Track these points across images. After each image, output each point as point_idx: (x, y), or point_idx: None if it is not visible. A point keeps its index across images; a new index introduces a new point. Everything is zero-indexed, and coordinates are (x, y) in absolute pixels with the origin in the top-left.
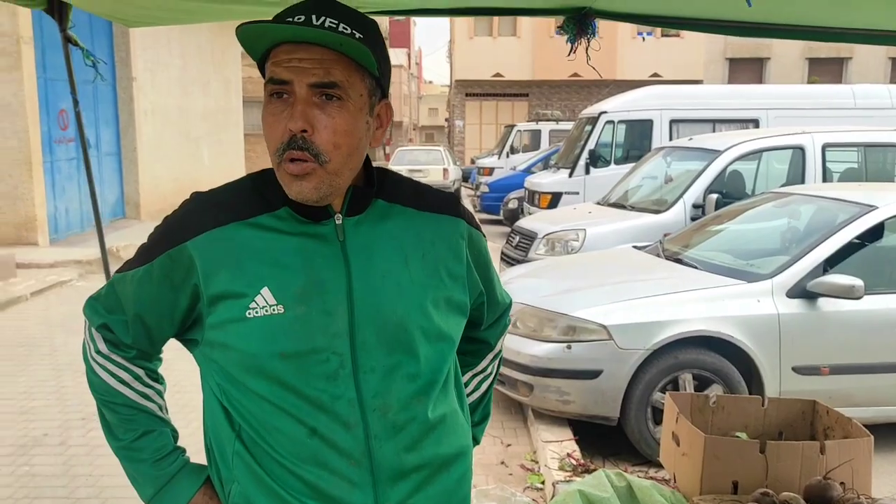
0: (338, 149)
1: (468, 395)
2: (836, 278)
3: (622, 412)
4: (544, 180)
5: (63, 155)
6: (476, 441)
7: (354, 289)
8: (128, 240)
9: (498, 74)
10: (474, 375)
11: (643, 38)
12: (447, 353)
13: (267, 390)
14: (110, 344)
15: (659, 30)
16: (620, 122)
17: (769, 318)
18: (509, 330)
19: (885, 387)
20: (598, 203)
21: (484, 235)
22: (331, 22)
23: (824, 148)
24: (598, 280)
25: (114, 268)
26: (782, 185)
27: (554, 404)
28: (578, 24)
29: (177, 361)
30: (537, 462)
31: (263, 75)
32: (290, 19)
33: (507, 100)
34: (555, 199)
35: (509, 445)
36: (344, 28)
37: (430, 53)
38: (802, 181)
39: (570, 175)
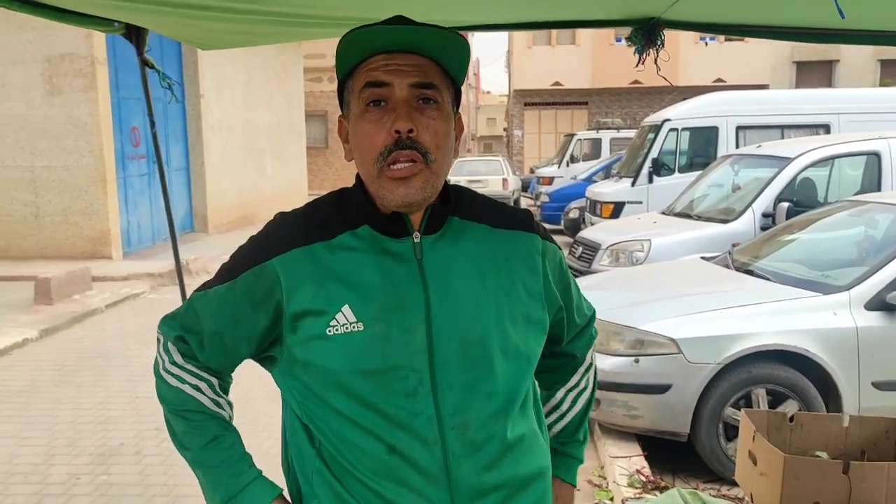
0: (439, 149)
1: (564, 413)
2: None
3: (692, 427)
4: (606, 189)
5: (135, 171)
6: (579, 461)
7: (432, 307)
8: (196, 252)
9: (557, 83)
10: (567, 392)
11: (706, 43)
12: (525, 371)
13: (347, 407)
14: (185, 356)
15: None
16: (684, 129)
17: (847, 332)
18: None
19: None
20: (663, 213)
21: (560, 248)
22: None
23: None
24: (666, 292)
25: (187, 280)
26: (856, 193)
27: (621, 419)
28: (646, 35)
29: (246, 376)
30: (605, 478)
31: (341, 99)
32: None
33: (566, 108)
34: (617, 209)
35: None
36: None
37: (489, 64)
38: (878, 188)
39: (633, 184)
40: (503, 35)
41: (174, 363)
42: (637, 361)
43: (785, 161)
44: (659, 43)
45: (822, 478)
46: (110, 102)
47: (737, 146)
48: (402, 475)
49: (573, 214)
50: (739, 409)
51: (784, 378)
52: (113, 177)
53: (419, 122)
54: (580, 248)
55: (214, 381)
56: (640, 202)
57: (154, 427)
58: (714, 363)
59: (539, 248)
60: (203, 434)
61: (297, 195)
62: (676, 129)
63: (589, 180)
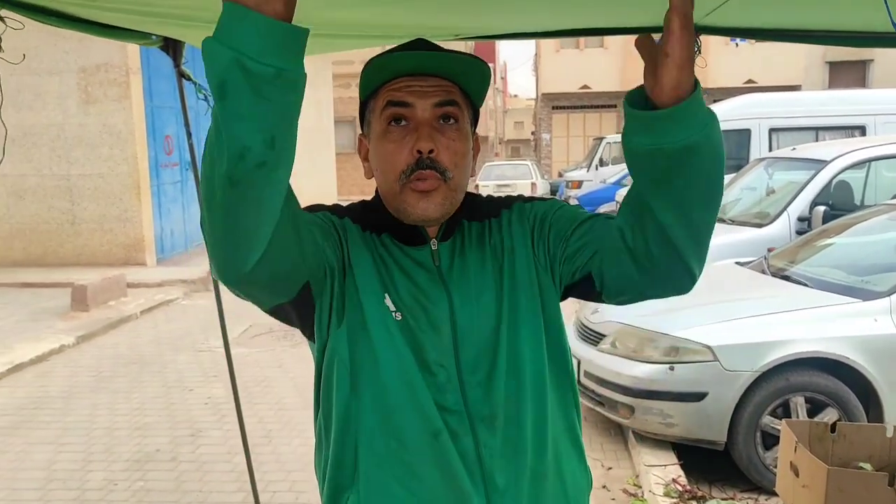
0: (458, 168)
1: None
2: None
3: (729, 436)
4: None
5: (168, 178)
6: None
7: (455, 305)
8: None
9: (585, 86)
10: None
11: (736, 44)
12: (546, 353)
13: (392, 388)
14: None
15: None
16: None
17: (888, 339)
18: (607, 350)
19: None
20: None
21: (538, 200)
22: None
23: None
24: (701, 298)
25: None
26: (894, 196)
27: (656, 427)
28: None
29: (280, 382)
30: (640, 487)
31: (362, 120)
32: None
33: (594, 112)
34: None
35: (610, 469)
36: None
37: (516, 67)
38: None
39: None
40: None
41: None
42: (672, 369)
43: (821, 164)
44: (696, 49)
45: (867, 490)
46: (144, 111)
47: (770, 149)
48: (443, 463)
49: None
50: (777, 418)
51: (823, 386)
52: (147, 184)
53: (439, 142)
54: None
55: None
56: None
57: (189, 433)
58: (751, 371)
59: (518, 213)
60: None
61: (326, 201)
62: None
63: (618, 184)
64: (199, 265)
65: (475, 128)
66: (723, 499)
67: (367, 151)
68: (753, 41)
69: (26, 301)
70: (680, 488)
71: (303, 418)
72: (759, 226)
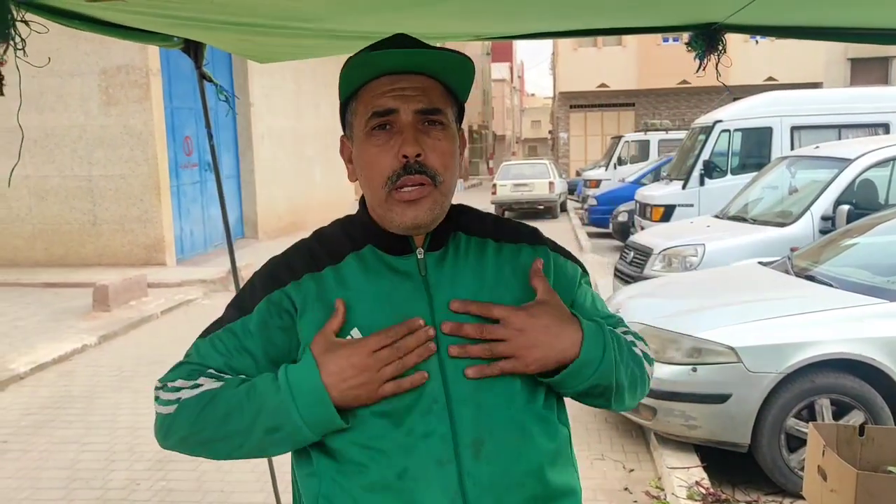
0: (447, 170)
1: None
2: None
3: (753, 438)
4: (656, 192)
5: (187, 179)
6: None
7: (437, 322)
8: (247, 259)
9: (603, 85)
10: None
11: (756, 42)
12: (540, 384)
13: (356, 432)
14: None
15: None
16: (737, 130)
17: None
18: None
19: None
20: (716, 216)
21: (579, 265)
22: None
23: None
24: (724, 298)
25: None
26: None
27: (679, 429)
28: (707, 40)
29: None
30: (663, 489)
31: (343, 116)
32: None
33: (612, 110)
34: (668, 212)
35: (632, 471)
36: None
37: (533, 67)
38: None
39: (684, 187)
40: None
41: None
42: (694, 370)
43: (844, 162)
44: (720, 48)
45: None
46: (164, 112)
47: (791, 147)
48: (414, 498)
49: (622, 218)
50: (802, 420)
51: (849, 388)
52: (167, 185)
53: (426, 144)
54: (631, 253)
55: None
56: (692, 205)
57: None
58: (776, 372)
59: (549, 260)
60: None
61: (344, 201)
62: (728, 131)
63: (637, 183)
64: (218, 265)
65: (461, 123)
66: (746, 502)
67: (351, 153)
68: (773, 38)
69: (48, 301)
70: (703, 491)
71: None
72: (782, 225)
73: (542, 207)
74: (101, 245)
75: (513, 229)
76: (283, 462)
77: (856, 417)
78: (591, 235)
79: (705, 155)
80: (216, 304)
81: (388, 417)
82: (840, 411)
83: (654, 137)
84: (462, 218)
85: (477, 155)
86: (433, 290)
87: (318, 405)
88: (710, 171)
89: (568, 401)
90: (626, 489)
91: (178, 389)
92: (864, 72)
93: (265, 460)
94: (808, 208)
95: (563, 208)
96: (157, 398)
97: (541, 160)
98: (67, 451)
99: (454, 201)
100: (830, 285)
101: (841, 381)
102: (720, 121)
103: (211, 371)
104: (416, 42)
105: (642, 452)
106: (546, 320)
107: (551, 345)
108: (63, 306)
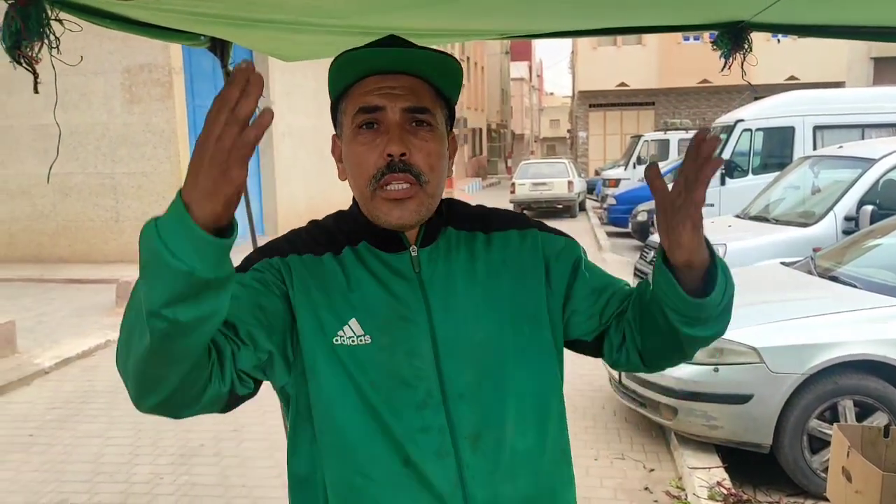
0: (433, 171)
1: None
2: None
3: (775, 439)
4: None
5: None
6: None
7: (435, 318)
8: None
9: (622, 84)
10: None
11: (778, 40)
12: (539, 373)
13: (359, 419)
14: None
15: None
16: (758, 129)
17: None
18: None
19: None
20: (737, 216)
21: (570, 239)
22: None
23: None
24: (746, 298)
25: None
26: None
27: (700, 429)
28: (733, 39)
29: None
30: (683, 489)
31: (334, 116)
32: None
33: (631, 109)
34: None
35: (652, 470)
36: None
37: (552, 65)
38: None
39: None
40: None
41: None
42: (716, 370)
43: (868, 162)
44: (746, 47)
45: None
46: (186, 110)
47: (814, 147)
48: (417, 489)
49: (641, 217)
50: (825, 422)
51: (873, 389)
52: None
53: (412, 143)
54: (651, 253)
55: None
56: (712, 205)
57: (232, 429)
58: (798, 373)
59: (538, 242)
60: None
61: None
62: (750, 130)
63: None
64: (236, 261)
65: (451, 126)
66: (768, 503)
67: (341, 151)
68: (795, 37)
69: (72, 297)
70: (724, 491)
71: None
72: (804, 225)
73: (560, 207)
74: (123, 242)
75: (500, 218)
76: None
77: (879, 419)
78: (610, 235)
79: (726, 154)
80: None
81: (384, 411)
82: (863, 413)
83: (673, 137)
84: (451, 212)
85: (495, 154)
86: (428, 289)
87: (178, 223)
88: (732, 170)
89: (575, 400)
90: (646, 489)
91: None
92: (888, 71)
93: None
94: (830, 208)
95: (582, 207)
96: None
97: (560, 159)
98: (91, 445)
99: (474, 200)
100: (854, 286)
101: (864, 383)
102: (742, 120)
103: None
104: (407, 43)
105: (662, 452)
106: None
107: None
108: (86, 302)
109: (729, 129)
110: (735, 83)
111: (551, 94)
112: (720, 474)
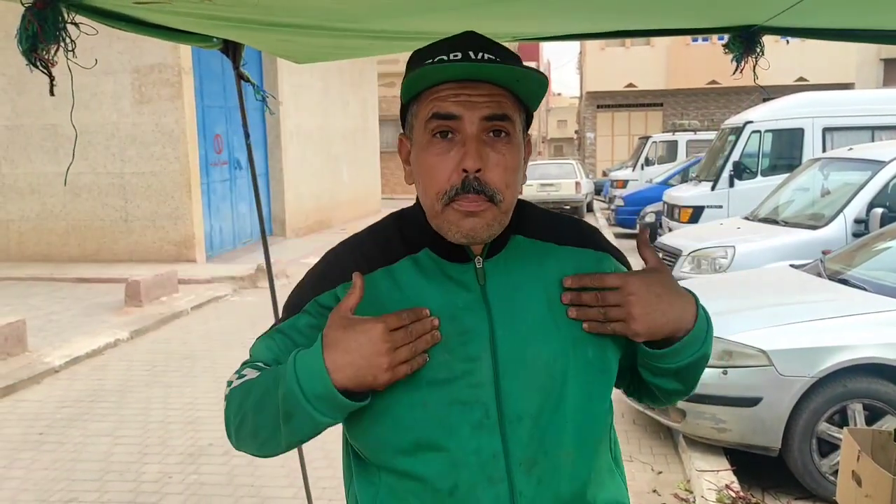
0: (508, 187)
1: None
2: None
3: (784, 442)
4: (685, 193)
5: (218, 177)
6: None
7: (497, 334)
8: (275, 256)
9: (630, 84)
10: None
11: (787, 42)
12: (600, 394)
13: (406, 442)
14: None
15: None
16: (767, 131)
17: None
18: None
19: None
20: (746, 218)
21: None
22: (489, 56)
23: None
24: (755, 301)
25: (266, 283)
26: None
27: (708, 432)
28: (746, 42)
29: None
30: (692, 492)
31: (403, 120)
32: (446, 57)
33: (639, 110)
34: (696, 214)
35: (660, 473)
36: (502, 62)
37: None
38: None
39: (713, 188)
40: None
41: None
42: (725, 373)
43: (878, 164)
44: (759, 50)
45: None
46: (195, 111)
47: (823, 149)
48: None
49: (649, 218)
50: (834, 425)
51: (883, 393)
52: (197, 182)
53: (488, 158)
54: (659, 255)
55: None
56: (721, 206)
57: None
58: (808, 376)
59: (612, 268)
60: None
61: (371, 199)
62: (759, 132)
63: (665, 184)
64: (247, 262)
65: (527, 130)
66: None
67: (409, 153)
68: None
69: (81, 296)
70: (733, 494)
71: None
72: (814, 228)
73: (568, 207)
74: (132, 241)
75: (574, 231)
76: (314, 458)
77: (889, 423)
78: (617, 236)
79: (735, 156)
80: (245, 301)
81: (436, 429)
82: (873, 416)
83: (682, 138)
84: (521, 217)
85: None
86: (492, 302)
87: (319, 384)
88: (740, 172)
89: None
90: (654, 491)
91: (229, 383)
92: None
93: (295, 455)
94: (840, 211)
95: (590, 209)
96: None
97: (567, 160)
98: (101, 444)
99: None
100: (864, 289)
101: (874, 386)
102: (751, 121)
103: (259, 364)
104: (486, 42)
105: (671, 455)
106: (659, 288)
107: (664, 312)
108: (96, 301)
109: (738, 131)
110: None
111: (559, 94)
112: (728, 477)
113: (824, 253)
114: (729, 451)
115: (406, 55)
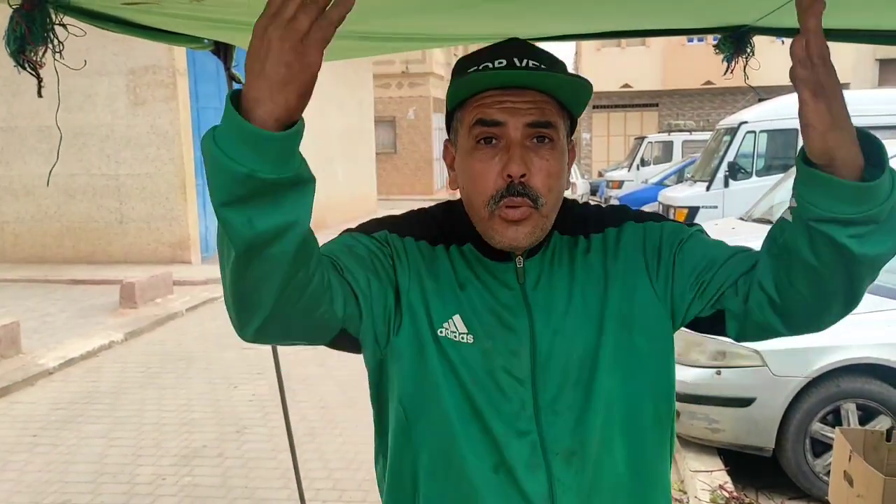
0: (551, 192)
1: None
2: None
3: (777, 442)
4: (680, 194)
5: None
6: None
7: (537, 330)
8: None
9: (626, 85)
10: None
11: (782, 42)
12: (644, 386)
13: (454, 415)
14: None
15: None
16: (762, 131)
17: None
18: None
19: None
20: (741, 218)
21: (660, 219)
22: (533, 63)
23: None
24: None
25: None
26: None
27: (702, 432)
28: (736, 42)
29: (324, 381)
30: (685, 492)
31: (448, 127)
32: (491, 64)
33: (635, 111)
34: (691, 214)
35: None
36: (547, 68)
37: None
38: None
39: (708, 188)
40: None
41: None
42: (719, 373)
43: None
44: (749, 51)
45: None
46: (190, 112)
47: None
48: (510, 493)
49: None
50: (827, 425)
51: (876, 393)
52: (192, 184)
53: (532, 163)
54: None
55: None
56: (716, 207)
57: (234, 430)
58: (801, 376)
59: (637, 235)
60: None
61: (367, 200)
62: (754, 132)
63: (660, 184)
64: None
65: (572, 135)
66: None
67: (454, 159)
68: None
69: (76, 297)
70: (727, 494)
71: (345, 416)
72: None
73: None
74: (127, 243)
75: (600, 217)
76: (307, 460)
77: (882, 423)
78: None
79: (730, 156)
80: None
81: (486, 409)
82: (866, 416)
83: (677, 138)
84: (560, 214)
85: None
86: (531, 300)
87: (232, 122)
88: (735, 172)
89: None
90: None
91: None
92: (894, 73)
93: (288, 457)
94: None
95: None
96: None
97: None
98: (95, 446)
99: None
100: None
101: (867, 386)
102: (746, 122)
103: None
104: (530, 49)
105: None
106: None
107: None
108: (90, 303)
109: (733, 132)
110: (739, 85)
111: None
112: (722, 477)
113: None
114: (723, 451)
115: (403, 55)
